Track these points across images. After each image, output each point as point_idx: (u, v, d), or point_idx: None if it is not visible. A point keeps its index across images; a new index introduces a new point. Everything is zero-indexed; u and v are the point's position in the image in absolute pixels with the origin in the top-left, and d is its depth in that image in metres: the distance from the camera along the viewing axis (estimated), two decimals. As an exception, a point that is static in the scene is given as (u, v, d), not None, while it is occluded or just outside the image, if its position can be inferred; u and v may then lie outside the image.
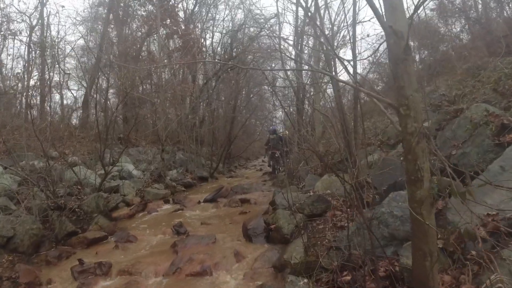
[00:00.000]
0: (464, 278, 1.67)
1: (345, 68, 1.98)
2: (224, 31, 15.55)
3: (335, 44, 3.98)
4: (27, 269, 3.67)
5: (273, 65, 16.26)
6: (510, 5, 9.40)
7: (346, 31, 7.26)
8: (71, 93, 12.26)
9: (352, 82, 1.90)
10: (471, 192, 1.30)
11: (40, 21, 10.38)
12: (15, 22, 9.16)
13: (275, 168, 10.23)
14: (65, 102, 11.14)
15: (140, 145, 10.74)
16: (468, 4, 10.46)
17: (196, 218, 5.51)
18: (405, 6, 1.42)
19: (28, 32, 9.61)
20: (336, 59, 4.03)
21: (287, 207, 3.84)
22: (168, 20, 12.54)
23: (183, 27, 13.25)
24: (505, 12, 10.09)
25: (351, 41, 3.28)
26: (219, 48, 15.90)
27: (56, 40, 9.73)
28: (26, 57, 9.54)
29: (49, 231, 4.58)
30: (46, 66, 9.55)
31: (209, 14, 15.84)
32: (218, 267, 3.32)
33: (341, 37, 6.34)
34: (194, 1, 15.27)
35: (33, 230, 4.19)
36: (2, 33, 8.40)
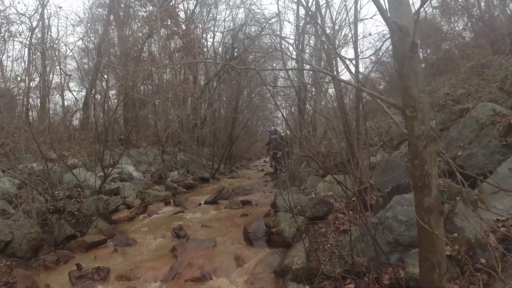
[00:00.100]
0: (474, 288, 1.59)
1: (347, 67, 1.90)
2: (225, 31, 15.49)
3: (337, 43, 3.89)
4: (24, 274, 3.61)
5: (274, 64, 16.18)
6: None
7: (348, 29, 7.18)
8: (72, 94, 12.24)
9: (354, 82, 1.81)
10: (483, 200, 1.21)
11: (40, 23, 10.36)
12: (15, 24, 9.13)
13: (276, 169, 10.15)
14: (66, 103, 11.11)
15: (141, 146, 10.69)
16: (471, 2, 10.33)
17: (197, 220, 5.44)
18: (410, 1, 1.33)
19: (28, 34, 9.58)
20: (338, 58, 3.95)
21: (289, 209, 3.75)
22: (169, 21, 12.49)
23: (183, 28, 13.19)
24: (508, 9, 9.96)
25: (353, 39, 3.20)
26: (220, 49, 15.85)
27: (56, 42, 9.71)
28: (26, 59, 9.53)
29: (48, 235, 4.52)
30: (47, 68, 9.53)
31: (210, 15, 15.79)
32: (218, 272, 3.24)
33: (342, 36, 6.26)
34: (195, 2, 15.22)
35: (31, 234, 4.13)
36: (1, 35, 8.38)
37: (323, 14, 4.19)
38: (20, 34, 9.18)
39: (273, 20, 13.27)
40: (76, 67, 11.23)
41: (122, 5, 12.91)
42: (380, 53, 10.50)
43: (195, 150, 11.80)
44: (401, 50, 1.32)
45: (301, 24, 7.84)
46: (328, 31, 3.51)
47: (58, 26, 17.29)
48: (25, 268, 3.80)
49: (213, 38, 16.31)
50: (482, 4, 9.82)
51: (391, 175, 3.91)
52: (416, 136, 1.31)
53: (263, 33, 12.13)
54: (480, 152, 3.14)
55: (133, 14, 13.27)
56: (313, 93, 8.78)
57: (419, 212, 1.38)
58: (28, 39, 9.45)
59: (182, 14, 14.54)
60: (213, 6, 15.51)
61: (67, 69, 10.58)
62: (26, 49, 9.47)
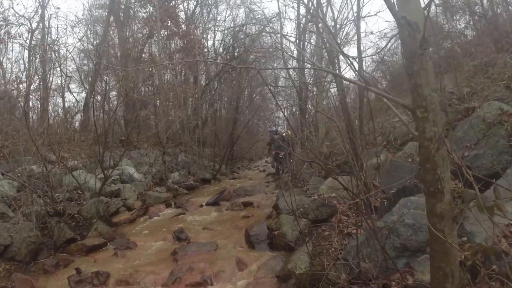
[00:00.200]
0: (486, 296, 1.52)
1: (352, 66, 1.82)
2: (225, 31, 15.44)
3: (338, 41, 3.81)
4: (23, 278, 3.56)
5: (275, 64, 16.12)
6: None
7: (349, 28, 7.10)
8: (73, 95, 12.22)
9: (359, 81, 1.74)
10: (500, 207, 1.14)
11: (40, 24, 10.33)
12: (15, 25, 9.09)
13: (278, 169, 10.07)
14: (67, 105, 11.08)
15: (141, 148, 10.64)
16: (473, 0, 10.21)
17: (198, 223, 5.38)
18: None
19: (28, 36, 9.55)
20: (340, 57, 3.87)
21: (291, 211, 3.68)
22: (169, 22, 12.44)
23: (184, 28, 13.14)
24: (510, 7, 9.83)
25: (357, 37, 3.12)
26: (220, 49, 15.79)
27: (57, 43, 9.67)
28: (26, 60, 9.49)
29: (48, 238, 4.47)
30: (47, 69, 9.48)
31: (210, 15, 15.74)
32: (219, 277, 3.17)
33: (344, 34, 6.17)
34: (195, 2, 15.17)
35: (30, 237, 4.08)
36: (1, 37, 8.34)
37: (324, 12, 4.11)
38: (19, 36, 9.15)
39: (273, 20, 13.22)
40: (76, 69, 11.18)
41: (122, 6, 12.87)
42: (381, 52, 10.42)
43: (196, 151, 11.74)
44: (410, 47, 1.24)
45: (302, 22, 7.76)
46: (329, 29, 3.43)
47: (57, 27, 17.26)
48: (24, 272, 3.76)
49: (214, 38, 16.27)
50: (485, 1, 9.70)
51: (395, 176, 3.84)
52: (428, 138, 1.24)
53: (264, 32, 12.04)
54: (488, 152, 3.06)
55: (133, 15, 13.23)
56: (315, 92, 8.70)
57: (431, 219, 1.30)
58: (28, 40, 9.42)
59: (182, 15, 14.51)
60: (213, 7, 15.46)
61: (67, 71, 10.57)
62: (26, 51, 9.44)
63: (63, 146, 6.71)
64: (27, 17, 9.60)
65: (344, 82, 4.25)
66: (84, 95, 11.43)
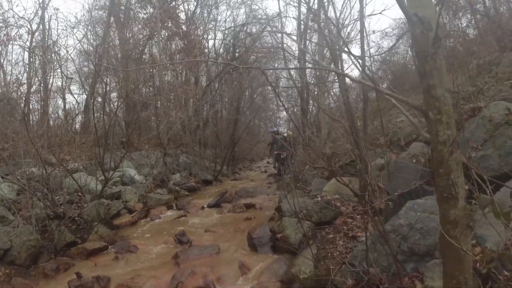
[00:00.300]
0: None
1: (358, 64, 1.76)
2: (226, 31, 15.38)
3: (340, 41, 3.75)
4: (23, 283, 3.53)
5: (276, 65, 16.07)
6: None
7: (351, 27, 7.04)
8: (73, 97, 12.20)
9: (366, 81, 1.68)
10: (518, 213, 1.08)
11: (41, 26, 10.30)
12: (15, 27, 9.06)
13: (280, 170, 10.02)
14: (67, 106, 11.05)
15: (142, 149, 10.60)
16: (475, -2, 10.12)
17: (200, 225, 5.32)
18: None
19: (28, 37, 9.52)
20: (342, 56, 3.81)
21: (294, 214, 3.62)
22: (169, 22, 12.40)
23: (184, 29, 13.09)
24: (513, 5, 9.74)
25: (360, 36, 3.06)
26: (221, 49, 15.75)
27: (57, 45, 9.64)
28: (26, 62, 9.46)
29: (48, 242, 4.42)
30: (47, 71, 9.45)
31: (211, 15, 15.70)
32: (222, 281, 3.12)
33: (345, 34, 6.10)
34: (195, 3, 15.13)
35: (30, 241, 4.03)
36: (1, 38, 8.31)
37: (326, 9, 4.03)
38: (19, 38, 9.12)
39: (274, 20, 13.16)
40: (76, 70, 11.15)
41: (122, 7, 12.83)
42: (382, 51, 10.35)
43: (197, 152, 11.70)
44: (422, 45, 1.19)
45: (303, 20, 7.68)
46: (332, 28, 3.37)
47: (57, 29, 17.24)
48: (24, 276, 3.71)
49: (214, 39, 16.23)
50: (487, 0, 9.62)
51: (400, 177, 3.78)
52: (441, 142, 1.18)
53: (264, 32, 11.98)
54: (495, 153, 3.00)
55: (133, 16, 13.19)
56: (316, 92, 8.64)
57: (444, 226, 1.24)
58: (28, 42, 9.39)
59: (182, 15, 14.47)
60: (213, 7, 15.42)
61: (68, 72, 10.54)
62: (26, 52, 9.40)
63: (63, 148, 6.66)
64: (26, 19, 9.58)
65: (346, 82, 4.19)
66: (85, 96, 11.41)
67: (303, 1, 6.55)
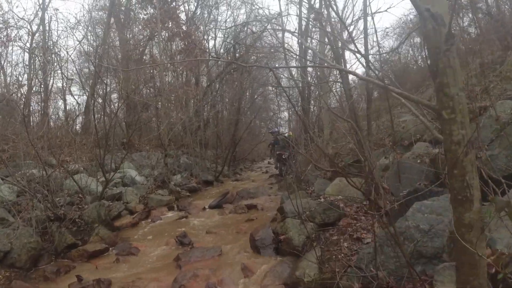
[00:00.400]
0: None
1: (367, 63, 1.72)
2: (227, 30, 15.33)
3: (343, 45, 3.69)
4: (23, 286, 3.48)
5: (277, 65, 16.01)
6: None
7: (353, 27, 6.98)
8: (74, 98, 12.17)
9: (372, 79, 1.62)
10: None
11: (41, 27, 10.27)
12: (15, 28, 9.03)
13: (282, 171, 9.97)
14: (68, 107, 11.02)
15: (143, 150, 10.56)
16: (477, -3, 10.05)
17: (201, 226, 5.28)
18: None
19: (28, 39, 9.49)
20: (345, 55, 3.76)
21: (297, 215, 3.57)
22: (170, 23, 12.37)
23: (185, 29, 13.06)
24: (516, 3, 9.66)
25: (363, 34, 3.01)
26: (222, 50, 15.70)
27: (56, 45, 9.61)
28: (27, 63, 9.42)
29: (49, 244, 4.38)
30: (47, 72, 9.42)
31: (211, 16, 15.67)
32: (224, 284, 3.06)
33: (347, 34, 6.03)
34: (196, 3, 15.09)
35: (30, 243, 3.99)
36: (1, 39, 8.28)
37: (329, 5, 3.96)
38: (19, 39, 9.09)
39: (274, 20, 13.11)
40: (77, 71, 11.12)
41: (123, 8, 12.80)
42: (383, 51, 10.29)
43: (198, 152, 11.65)
44: (435, 42, 1.14)
45: (304, 17, 7.61)
46: (335, 25, 3.32)
47: (57, 30, 17.20)
48: (24, 279, 3.67)
49: (215, 39, 16.20)
50: (490, -1, 9.55)
51: (404, 178, 3.73)
52: (456, 142, 1.13)
53: (265, 32, 11.91)
54: (502, 153, 2.94)
55: (134, 17, 13.16)
56: (317, 92, 8.58)
57: (459, 229, 1.19)
58: (28, 43, 9.35)
59: (183, 16, 14.43)
60: (214, 7, 15.38)
61: (68, 73, 10.51)
62: (26, 54, 9.37)
63: (63, 149, 6.63)
64: (26, 20, 9.55)
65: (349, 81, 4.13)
66: (85, 98, 11.38)
67: (305, 0, 6.50)
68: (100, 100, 9.89)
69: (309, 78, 8.93)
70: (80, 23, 11.38)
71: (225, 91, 15.26)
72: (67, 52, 10.42)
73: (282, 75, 14.45)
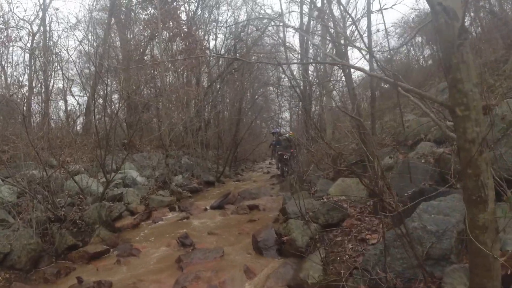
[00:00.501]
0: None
1: (371, 59, 1.67)
2: (228, 27, 15.31)
3: (346, 42, 3.64)
4: (23, 288, 3.44)
5: (278, 65, 15.95)
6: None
7: (354, 26, 6.92)
8: (75, 99, 12.14)
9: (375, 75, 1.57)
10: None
11: (41, 28, 10.25)
12: (15, 29, 9.01)
13: (283, 171, 9.92)
14: (69, 108, 10.98)
15: (144, 151, 10.53)
16: (480, -4, 9.98)
17: (203, 227, 5.24)
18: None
19: (28, 39, 9.46)
20: (348, 53, 3.70)
21: (300, 216, 3.53)
22: (171, 23, 12.34)
23: (185, 29, 13.03)
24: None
25: (367, 31, 2.97)
26: (223, 50, 15.67)
27: (57, 46, 9.58)
28: (27, 63, 9.40)
29: (49, 245, 4.34)
30: (48, 73, 9.40)
31: (212, 16, 15.65)
32: (227, 286, 3.02)
33: (355, 29, 5.93)
34: (196, 3, 15.07)
35: (30, 245, 3.95)
36: (1, 40, 8.26)
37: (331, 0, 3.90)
38: (20, 39, 9.07)
39: (275, 20, 13.05)
40: (77, 72, 11.09)
41: (123, 8, 12.78)
42: (385, 49, 10.23)
43: (199, 153, 11.61)
44: (448, 37, 1.09)
45: (305, 13, 7.55)
46: (337, 22, 3.27)
47: (58, 30, 17.17)
48: (24, 281, 3.63)
49: (215, 39, 16.18)
50: (492, -2, 9.49)
51: (408, 178, 3.68)
52: (470, 140, 1.09)
53: (266, 32, 11.89)
54: (509, 152, 2.90)
55: (135, 17, 13.14)
56: (319, 92, 8.52)
57: (473, 231, 1.15)
58: (29, 44, 9.33)
59: (183, 16, 14.40)
60: (214, 8, 15.36)
61: (69, 74, 10.49)
62: (27, 54, 9.34)
63: (64, 150, 6.59)
64: (27, 20, 9.54)
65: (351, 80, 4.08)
66: (86, 98, 11.35)
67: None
68: (101, 101, 9.87)
69: (310, 78, 8.89)
70: (80, 22, 11.36)
71: (226, 91, 15.23)
72: (68, 53, 10.39)
73: (284, 75, 14.41)
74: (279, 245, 3.63)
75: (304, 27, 8.52)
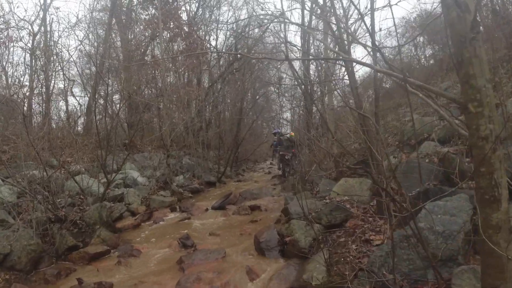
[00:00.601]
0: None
1: (384, 57, 1.63)
2: (228, 33, 15.32)
3: (349, 38, 3.59)
4: (22, 289, 3.41)
5: (279, 65, 15.93)
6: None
7: (357, 24, 6.88)
8: (76, 99, 12.12)
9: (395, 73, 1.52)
10: None
11: (43, 28, 10.23)
12: (16, 29, 8.99)
13: (285, 171, 9.89)
14: (69, 108, 10.96)
15: (145, 151, 10.50)
16: (482, -5, 9.92)
17: (204, 228, 5.20)
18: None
19: (29, 39, 9.44)
20: (350, 50, 3.66)
21: (302, 216, 3.48)
22: (171, 23, 12.32)
23: (186, 30, 13.01)
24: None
25: (371, 28, 2.92)
26: (223, 50, 15.63)
27: (57, 45, 9.57)
28: (28, 64, 9.39)
29: (49, 246, 4.31)
30: (49, 73, 9.38)
31: (213, 16, 15.63)
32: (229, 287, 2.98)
33: (353, 28, 5.91)
34: (197, 3, 15.05)
35: (31, 246, 3.91)
36: (2, 40, 8.25)
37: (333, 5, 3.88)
38: (21, 39, 9.05)
39: (276, 20, 13.02)
40: (78, 72, 11.07)
41: (124, 8, 12.76)
42: (387, 49, 10.17)
43: (200, 153, 11.58)
44: (460, 30, 1.06)
45: (307, 8, 7.47)
46: (340, 18, 3.22)
47: (58, 30, 17.14)
48: (24, 282, 3.60)
49: (216, 40, 16.15)
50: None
51: (412, 178, 3.64)
52: (483, 138, 1.05)
53: (267, 31, 11.85)
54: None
55: (135, 18, 13.12)
56: (321, 91, 8.48)
57: (486, 231, 1.11)
58: (29, 44, 9.32)
59: (184, 16, 14.38)
60: (215, 8, 15.34)
61: (70, 74, 10.47)
62: (28, 54, 9.33)
63: (64, 150, 6.56)
64: (27, 20, 9.52)
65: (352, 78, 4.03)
66: (87, 99, 11.32)
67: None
68: (101, 101, 9.84)
69: (312, 78, 8.85)
70: (81, 22, 11.34)
71: (227, 91, 15.21)
72: (69, 53, 10.38)
73: (285, 74, 14.36)
74: (282, 246, 3.59)
75: (306, 26, 8.48)
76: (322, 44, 7.70)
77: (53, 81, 9.71)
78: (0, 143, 5.97)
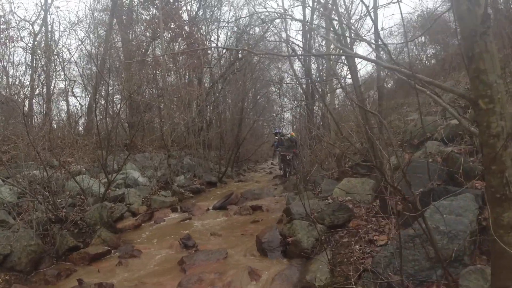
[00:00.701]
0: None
1: (390, 53, 1.60)
2: (229, 33, 15.30)
3: (351, 35, 3.55)
4: (22, 290, 3.39)
5: (280, 65, 15.91)
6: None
7: (361, 23, 6.84)
8: (77, 99, 12.09)
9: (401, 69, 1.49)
10: None
11: (43, 28, 10.23)
12: (16, 29, 8.99)
13: (286, 172, 9.86)
14: (70, 108, 10.94)
15: (146, 151, 10.48)
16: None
17: (205, 228, 5.17)
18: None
19: (30, 39, 9.43)
20: (353, 49, 3.62)
21: (305, 216, 3.45)
22: (172, 23, 12.32)
23: (187, 30, 13.00)
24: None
25: (374, 27, 2.89)
26: (224, 50, 15.60)
27: (60, 46, 9.56)
28: (29, 64, 9.37)
29: (50, 246, 4.29)
30: (50, 73, 9.37)
31: (213, 16, 15.61)
32: (231, 289, 2.95)
33: (356, 26, 5.85)
34: (198, 4, 15.03)
35: (31, 246, 3.89)
36: (2, 40, 8.24)
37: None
38: (21, 39, 9.05)
39: (277, 21, 13.00)
40: (79, 73, 11.06)
41: (125, 9, 12.76)
42: (390, 47, 10.13)
43: (201, 153, 11.56)
44: (470, 24, 1.03)
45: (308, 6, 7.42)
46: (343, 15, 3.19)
47: (59, 29, 17.13)
48: (24, 283, 3.58)
49: (217, 40, 16.13)
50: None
51: (416, 177, 3.60)
52: (494, 135, 1.02)
53: (268, 31, 11.82)
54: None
55: (136, 18, 13.12)
56: (320, 91, 8.43)
57: (496, 231, 1.08)
58: (30, 44, 9.30)
59: (185, 16, 14.37)
60: (216, 8, 15.33)
61: (71, 75, 10.46)
62: (29, 55, 9.32)
63: (65, 150, 6.55)
64: (28, 20, 9.51)
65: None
66: (88, 99, 11.31)
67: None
68: (102, 101, 9.83)
69: (313, 78, 8.81)
70: (81, 21, 11.32)
71: (228, 91, 15.19)
72: (70, 53, 10.37)
73: (287, 73, 14.32)
74: (284, 246, 3.56)
75: (308, 24, 8.44)
76: (324, 43, 7.67)
77: (54, 81, 9.70)
78: (1, 143, 5.95)
